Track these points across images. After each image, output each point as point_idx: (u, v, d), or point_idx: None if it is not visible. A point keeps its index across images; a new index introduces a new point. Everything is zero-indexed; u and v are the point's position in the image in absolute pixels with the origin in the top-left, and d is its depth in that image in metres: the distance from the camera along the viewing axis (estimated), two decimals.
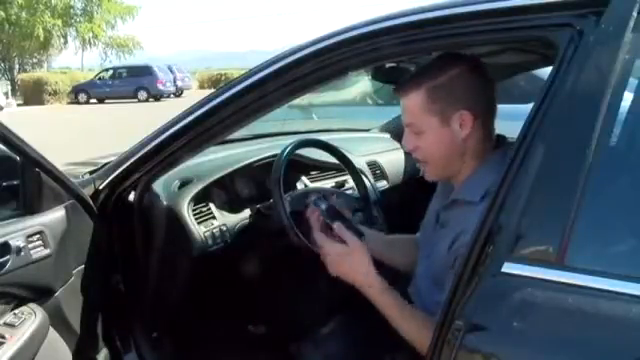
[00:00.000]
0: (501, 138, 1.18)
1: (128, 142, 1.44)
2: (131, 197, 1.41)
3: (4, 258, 1.09)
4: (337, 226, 1.21)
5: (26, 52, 25.24)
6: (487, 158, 1.12)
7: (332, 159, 1.75)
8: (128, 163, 1.34)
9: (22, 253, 1.13)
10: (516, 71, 1.87)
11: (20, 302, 1.17)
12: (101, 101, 20.39)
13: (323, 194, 1.49)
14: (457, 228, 1.08)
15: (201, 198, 1.60)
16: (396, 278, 1.24)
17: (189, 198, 1.54)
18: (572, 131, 0.83)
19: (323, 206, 1.35)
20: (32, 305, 1.18)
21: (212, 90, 1.37)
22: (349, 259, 1.15)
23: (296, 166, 1.73)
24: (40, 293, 1.20)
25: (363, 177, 1.78)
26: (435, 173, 1.16)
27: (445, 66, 1.10)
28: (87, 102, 20.29)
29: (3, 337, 1.08)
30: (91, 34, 25.96)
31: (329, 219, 1.29)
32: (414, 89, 1.10)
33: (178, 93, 22.04)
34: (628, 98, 0.85)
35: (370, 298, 1.12)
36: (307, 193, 1.68)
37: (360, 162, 2.07)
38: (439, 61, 1.13)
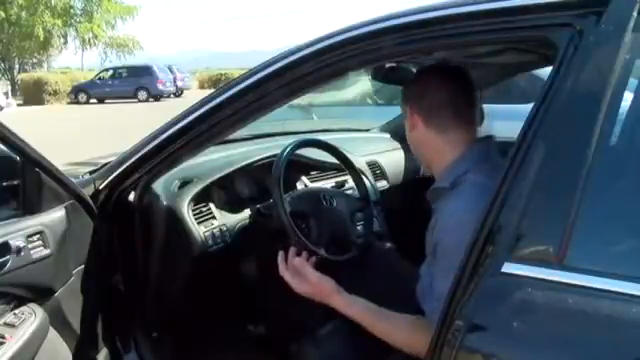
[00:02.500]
0: (487, 137, 1.21)
1: (128, 142, 1.44)
2: (131, 197, 1.41)
3: (4, 258, 1.09)
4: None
5: (26, 52, 25.22)
6: (463, 151, 1.16)
7: (332, 159, 1.75)
8: (128, 163, 1.34)
9: (22, 253, 1.13)
10: (516, 71, 1.87)
11: (20, 302, 1.17)
12: (101, 101, 20.38)
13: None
14: (435, 215, 1.14)
15: (201, 198, 1.60)
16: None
17: (189, 198, 1.54)
18: (572, 131, 0.83)
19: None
20: (32, 305, 1.18)
21: (212, 90, 1.37)
22: (315, 294, 1.24)
23: (296, 166, 1.73)
24: (40, 293, 1.20)
25: (363, 177, 1.78)
26: (422, 161, 1.29)
27: (425, 75, 1.24)
28: (87, 102, 20.28)
29: (3, 337, 1.08)
30: (91, 34, 25.93)
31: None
32: (404, 85, 1.25)
33: (178, 93, 22.04)
34: (628, 98, 0.85)
35: (343, 313, 1.20)
36: (307, 193, 1.68)
37: (360, 162, 2.07)
38: (422, 71, 1.29)
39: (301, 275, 1.26)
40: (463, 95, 1.18)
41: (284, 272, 1.29)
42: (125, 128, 8.93)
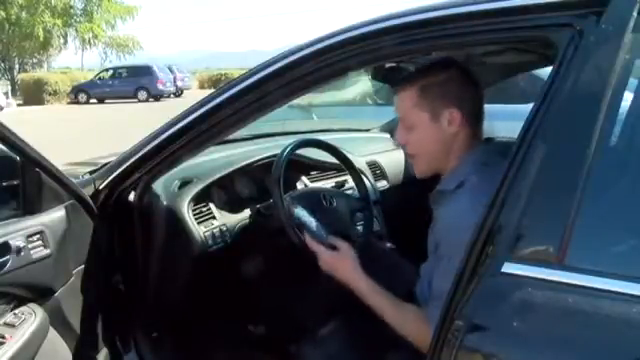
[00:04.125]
0: (489, 140, 1.21)
1: (128, 142, 1.44)
2: (131, 197, 1.41)
3: (4, 258, 1.09)
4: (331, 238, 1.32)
5: (26, 52, 25.21)
6: (469, 154, 1.16)
7: (332, 159, 1.75)
8: (128, 163, 1.34)
9: (22, 253, 1.13)
10: (516, 71, 1.87)
11: (20, 302, 1.17)
12: (101, 101, 20.37)
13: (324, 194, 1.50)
14: (437, 216, 1.15)
15: (201, 198, 1.60)
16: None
17: (189, 198, 1.54)
18: (572, 131, 0.83)
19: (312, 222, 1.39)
20: (32, 305, 1.18)
21: (212, 90, 1.37)
22: (339, 264, 1.26)
23: (296, 166, 1.73)
24: (40, 293, 1.20)
25: (363, 177, 1.78)
26: (422, 168, 1.21)
27: (439, 68, 1.16)
28: (87, 102, 20.26)
29: (3, 337, 1.08)
30: (91, 34, 25.91)
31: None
32: (408, 86, 1.16)
33: (178, 93, 22.03)
34: (628, 98, 0.85)
35: (362, 298, 1.20)
36: (307, 193, 1.68)
37: (360, 162, 2.07)
38: (434, 63, 1.19)
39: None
40: (478, 92, 1.17)
41: (316, 247, 1.30)
42: (125, 128, 8.93)
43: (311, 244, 1.29)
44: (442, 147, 1.16)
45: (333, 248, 1.29)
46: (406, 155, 2.39)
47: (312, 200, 1.57)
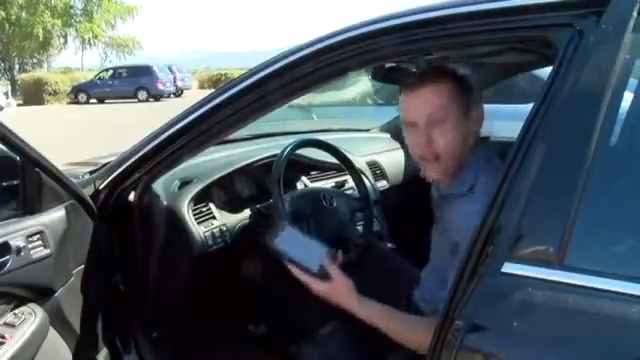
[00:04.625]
0: (484, 139, 1.20)
1: (128, 142, 1.44)
2: (131, 197, 1.41)
3: (4, 258, 1.09)
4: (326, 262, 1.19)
5: (26, 52, 25.21)
6: (473, 154, 1.15)
7: (332, 159, 1.75)
8: (128, 163, 1.34)
9: (22, 253, 1.13)
10: (516, 71, 1.87)
11: (20, 302, 1.17)
12: (101, 101, 20.36)
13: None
14: (449, 219, 1.13)
15: (201, 198, 1.60)
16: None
17: (189, 198, 1.54)
18: (572, 131, 0.83)
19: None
20: (32, 305, 1.18)
21: (212, 90, 1.37)
22: (332, 293, 1.17)
23: (296, 166, 1.73)
24: (40, 293, 1.20)
25: (363, 177, 1.78)
26: (442, 169, 1.14)
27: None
28: (87, 102, 20.25)
29: (3, 337, 1.08)
30: (91, 34, 25.91)
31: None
32: (447, 76, 1.11)
33: (178, 93, 22.02)
34: (628, 98, 0.85)
35: (357, 315, 1.14)
36: (307, 193, 1.68)
37: (360, 162, 2.07)
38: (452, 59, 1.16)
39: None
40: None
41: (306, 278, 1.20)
42: (125, 128, 8.93)
43: (299, 276, 1.19)
44: (464, 147, 1.12)
45: (326, 276, 1.18)
46: (406, 155, 2.40)
47: (312, 200, 1.57)
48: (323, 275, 1.16)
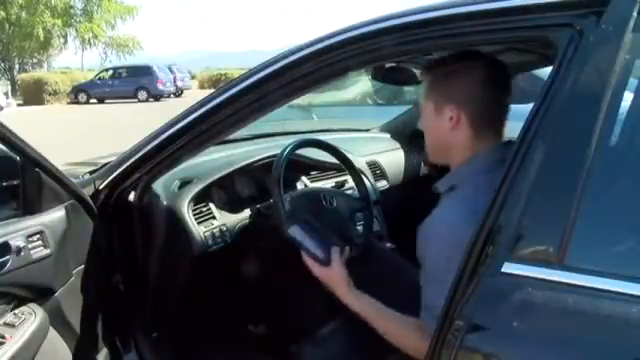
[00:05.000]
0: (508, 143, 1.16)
1: (128, 142, 1.44)
2: (131, 197, 1.41)
3: (4, 258, 1.09)
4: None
5: (26, 52, 25.22)
6: (469, 157, 1.13)
7: (332, 159, 1.75)
8: (128, 163, 1.34)
9: (22, 253, 1.13)
10: (516, 71, 1.87)
11: (20, 302, 1.17)
12: (101, 101, 20.37)
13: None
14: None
15: (201, 198, 1.60)
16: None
17: (189, 198, 1.54)
18: (572, 131, 0.83)
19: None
20: (32, 305, 1.18)
21: (212, 90, 1.37)
22: (327, 277, 1.25)
23: (296, 166, 1.73)
24: (40, 293, 1.20)
25: (363, 177, 1.78)
26: (431, 155, 1.21)
27: (454, 61, 1.13)
28: (87, 102, 20.26)
29: (3, 337, 1.08)
30: (91, 34, 25.91)
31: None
32: (425, 74, 1.17)
33: (178, 93, 22.03)
34: (628, 98, 0.85)
35: (348, 305, 1.19)
36: (307, 193, 1.68)
37: (360, 162, 2.07)
38: (453, 55, 1.15)
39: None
40: (492, 94, 1.12)
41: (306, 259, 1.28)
42: (125, 128, 8.93)
43: (305, 259, 1.28)
44: (442, 141, 1.14)
45: (327, 262, 1.26)
46: (406, 155, 2.41)
47: (312, 200, 1.57)
48: (325, 261, 1.24)
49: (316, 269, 1.25)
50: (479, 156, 1.11)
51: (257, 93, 1.19)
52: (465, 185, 1.08)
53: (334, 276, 1.23)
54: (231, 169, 1.72)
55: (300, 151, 1.63)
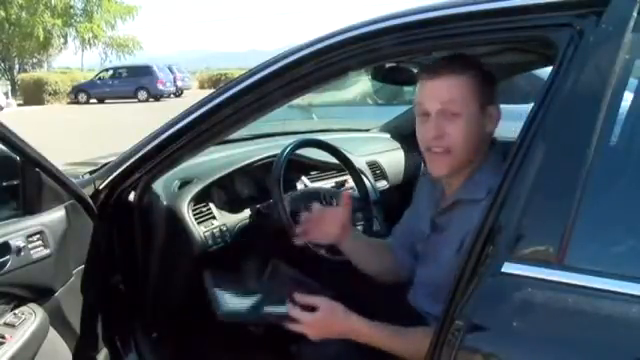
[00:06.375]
0: (494, 140, 1.19)
1: (128, 142, 1.44)
2: (131, 197, 1.41)
3: (4, 258, 1.09)
4: (298, 296, 1.13)
5: (26, 52, 25.21)
6: (486, 158, 1.13)
7: (332, 159, 1.75)
8: (128, 163, 1.34)
9: (22, 253, 1.13)
10: (516, 71, 1.87)
11: (20, 302, 1.17)
12: (101, 101, 20.37)
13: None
14: (464, 228, 1.05)
15: (201, 198, 1.60)
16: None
17: (189, 198, 1.54)
18: (572, 131, 0.83)
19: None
20: (32, 305, 1.18)
21: (212, 90, 1.37)
22: (323, 322, 1.12)
23: (296, 166, 1.73)
24: (40, 293, 1.20)
25: (363, 177, 1.78)
26: (452, 164, 1.10)
27: (478, 61, 1.12)
28: (87, 102, 20.26)
29: (3, 337, 1.08)
30: (91, 34, 25.91)
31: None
32: (469, 68, 1.09)
33: (178, 93, 22.02)
34: (628, 98, 0.85)
35: (361, 341, 1.10)
36: (307, 193, 1.68)
37: (360, 162, 2.07)
38: (476, 55, 1.15)
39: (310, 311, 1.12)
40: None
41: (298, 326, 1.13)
42: (125, 128, 8.93)
43: (292, 327, 1.12)
44: (476, 144, 1.10)
45: (312, 309, 1.11)
46: (406, 155, 2.40)
47: (312, 200, 1.57)
48: (306, 309, 1.08)
49: (308, 321, 1.10)
50: (492, 153, 1.13)
51: (257, 93, 1.19)
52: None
53: (332, 317, 1.10)
54: (231, 169, 1.72)
55: (300, 151, 1.63)
